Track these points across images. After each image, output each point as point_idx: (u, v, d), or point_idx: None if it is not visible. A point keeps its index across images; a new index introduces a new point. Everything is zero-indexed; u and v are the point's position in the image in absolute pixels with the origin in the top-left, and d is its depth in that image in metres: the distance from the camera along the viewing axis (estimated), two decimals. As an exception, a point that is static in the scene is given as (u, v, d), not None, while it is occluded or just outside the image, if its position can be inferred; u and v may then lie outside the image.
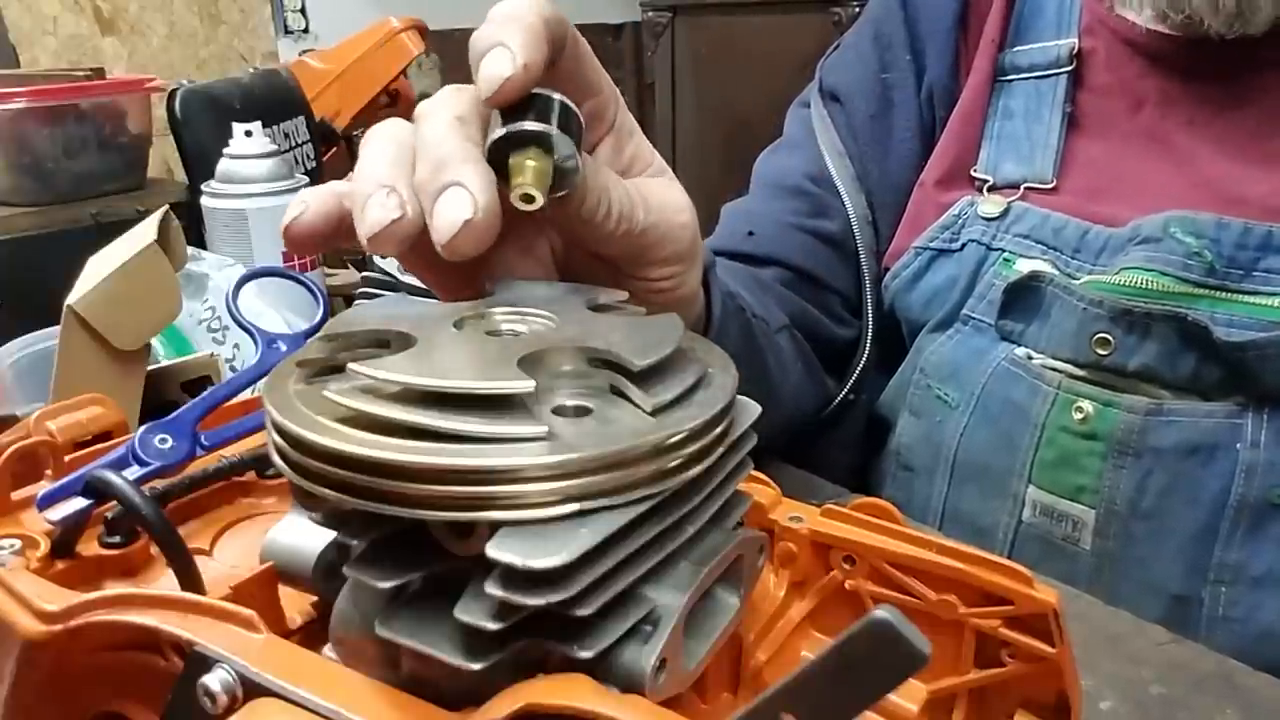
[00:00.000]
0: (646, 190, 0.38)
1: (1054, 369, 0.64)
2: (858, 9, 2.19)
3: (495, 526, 0.22)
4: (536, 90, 0.33)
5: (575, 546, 0.22)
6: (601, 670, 0.23)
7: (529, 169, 0.32)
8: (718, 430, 0.26)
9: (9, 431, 0.37)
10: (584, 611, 0.22)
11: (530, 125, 0.32)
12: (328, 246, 0.37)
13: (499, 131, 0.32)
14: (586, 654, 0.22)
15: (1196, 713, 0.45)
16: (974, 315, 0.69)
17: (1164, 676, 0.47)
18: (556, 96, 0.33)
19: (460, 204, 0.31)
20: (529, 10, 0.34)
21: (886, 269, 0.76)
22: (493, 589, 0.21)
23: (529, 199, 0.32)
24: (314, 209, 0.35)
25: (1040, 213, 0.68)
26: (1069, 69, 0.70)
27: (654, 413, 0.25)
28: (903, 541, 0.31)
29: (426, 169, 0.32)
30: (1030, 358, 0.65)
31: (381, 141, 0.35)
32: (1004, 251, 0.68)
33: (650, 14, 2.86)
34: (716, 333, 0.51)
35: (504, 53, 0.32)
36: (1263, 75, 0.64)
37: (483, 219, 0.31)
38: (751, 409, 0.29)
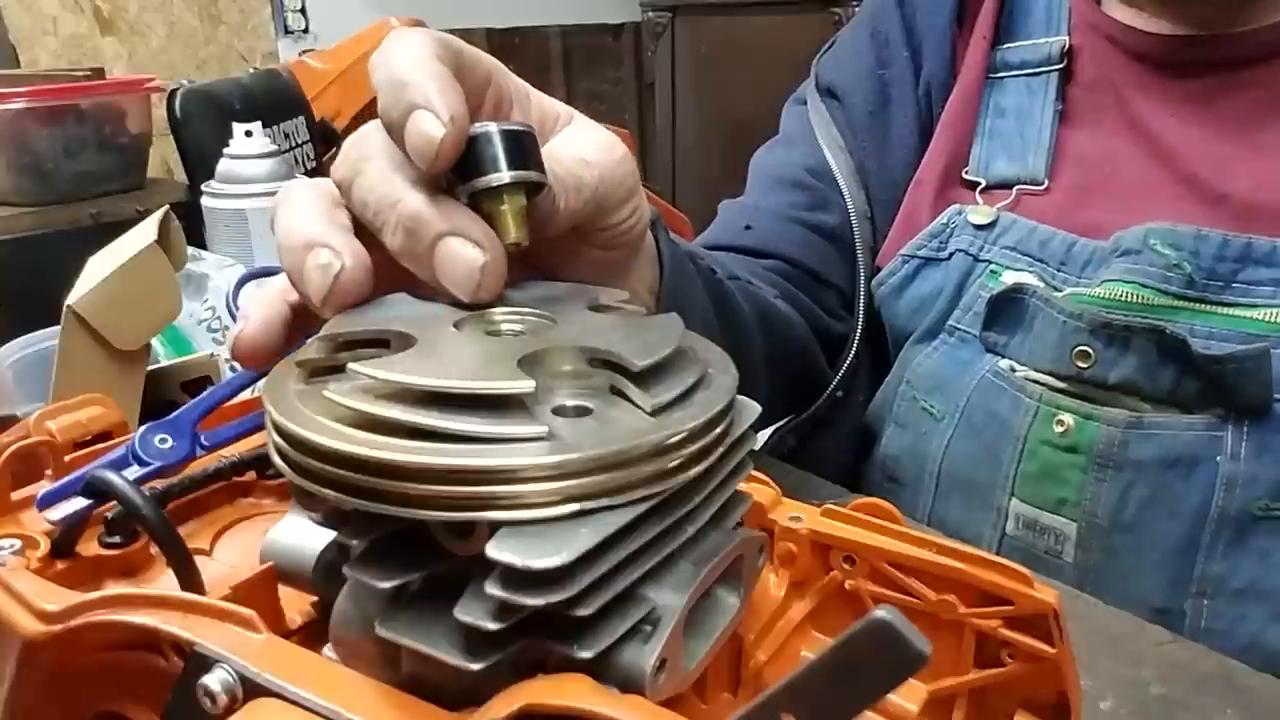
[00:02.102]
0: (578, 147, 0.36)
1: (1036, 381, 0.64)
2: (858, 8, 2.19)
3: (495, 526, 0.22)
4: (478, 130, 0.31)
5: (575, 546, 0.22)
6: (601, 670, 0.23)
7: (509, 218, 0.31)
8: (718, 430, 0.26)
9: (9, 431, 0.37)
10: (584, 611, 0.22)
11: (503, 178, 0.31)
12: (282, 350, 0.33)
13: (462, 192, 0.31)
14: (586, 654, 0.22)
15: (1196, 713, 0.45)
16: (960, 326, 0.70)
17: (1164, 676, 0.47)
18: (505, 129, 0.31)
19: (467, 252, 0.30)
20: (425, 54, 0.31)
21: (879, 268, 0.76)
22: (493, 589, 0.21)
23: (517, 246, 0.31)
24: (255, 321, 0.32)
25: (1027, 224, 0.68)
26: (1060, 66, 0.70)
27: (654, 413, 0.25)
28: (903, 541, 0.31)
29: (401, 235, 0.30)
30: (1013, 370, 0.66)
31: (288, 205, 0.32)
32: (991, 263, 0.69)
33: (650, 14, 2.87)
34: (672, 271, 0.48)
35: (426, 116, 0.30)
36: (1243, 72, 0.65)
37: (494, 255, 0.30)
38: (751, 409, 0.29)
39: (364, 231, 0.32)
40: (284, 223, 0.32)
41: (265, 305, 0.33)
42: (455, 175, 0.31)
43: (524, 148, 0.31)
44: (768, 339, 0.65)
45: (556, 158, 0.34)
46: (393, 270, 0.32)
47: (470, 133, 0.31)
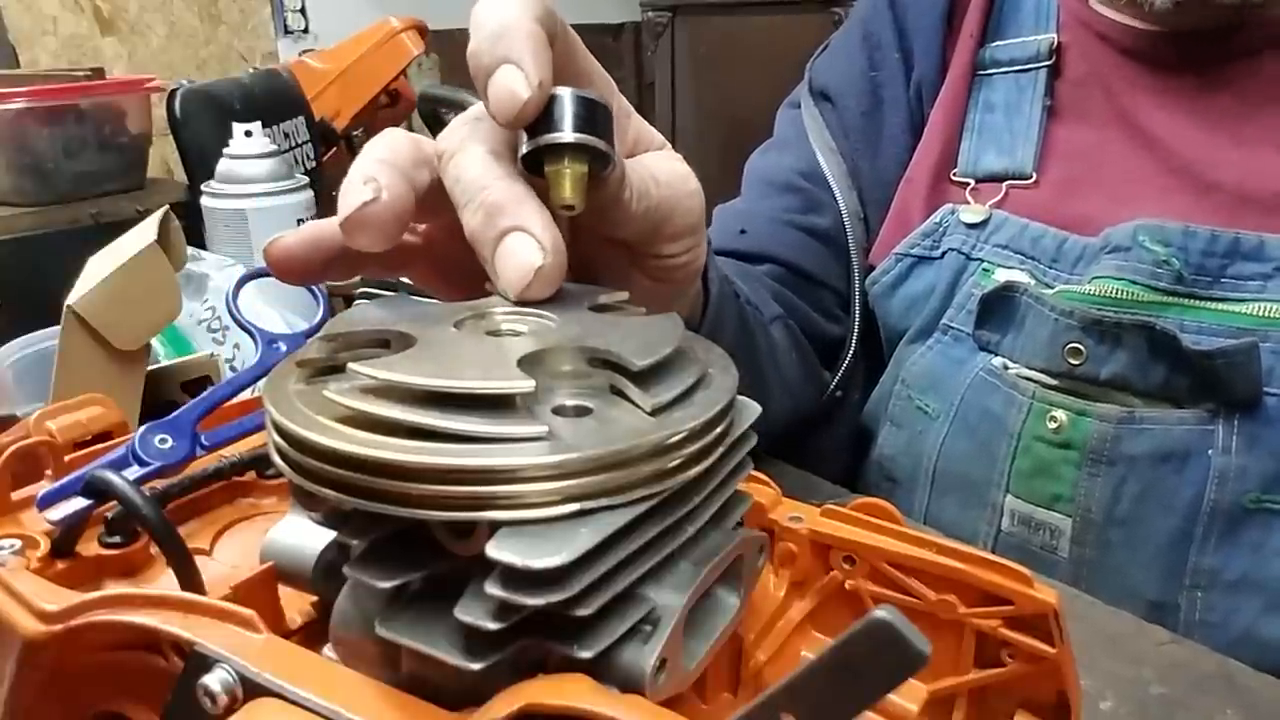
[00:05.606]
0: (652, 166, 0.37)
1: (1028, 379, 0.65)
2: (858, 9, 2.19)
3: (495, 526, 0.22)
4: (554, 91, 0.31)
5: (575, 546, 0.22)
6: (601, 670, 0.23)
7: (567, 179, 0.31)
8: (718, 430, 0.26)
9: (9, 431, 0.37)
10: (584, 611, 0.22)
11: (565, 137, 0.31)
12: (312, 275, 0.35)
13: (526, 146, 0.31)
14: (586, 654, 0.22)
15: (1196, 713, 0.45)
16: (953, 325, 0.70)
17: (1164, 676, 0.47)
18: (579, 95, 0.31)
19: (528, 250, 0.30)
20: (524, 14, 0.31)
21: (872, 266, 0.76)
22: (493, 589, 0.21)
23: (570, 209, 0.31)
24: (292, 235, 0.34)
25: (1019, 222, 0.68)
26: (1049, 63, 0.71)
27: (654, 413, 0.25)
28: (903, 541, 0.31)
29: (479, 216, 0.31)
30: (1006, 368, 0.66)
31: (372, 146, 0.33)
32: (983, 262, 0.69)
33: (650, 14, 2.87)
34: (714, 313, 0.50)
35: (514, 72, 0.30)
36: (1232, 66, 0.65)
37: (552, 262, 0.30)
38: (751, 409, 0.29)
39: (443, 202, 0.33)
40: (361, 155, 0.33)
41: (315, 225, 0.34)
42: (524, 129, 0.32)
43: (595, 116, 0.32)
44: (776, 372, 0.66)
45: (630, 167, 0.35)
46: (445, 241, 0.33)
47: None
